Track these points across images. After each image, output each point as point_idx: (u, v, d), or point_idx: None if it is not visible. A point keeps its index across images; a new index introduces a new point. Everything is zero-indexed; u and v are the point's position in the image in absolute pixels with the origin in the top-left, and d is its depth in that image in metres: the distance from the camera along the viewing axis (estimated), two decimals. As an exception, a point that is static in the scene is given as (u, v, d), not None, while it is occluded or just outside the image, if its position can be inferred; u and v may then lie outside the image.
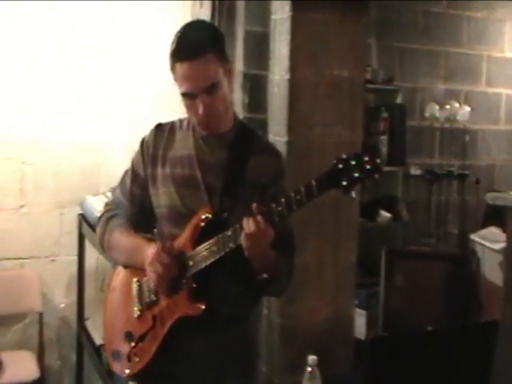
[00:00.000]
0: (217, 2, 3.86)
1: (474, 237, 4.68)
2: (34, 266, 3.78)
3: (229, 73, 1.91)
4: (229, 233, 1.77)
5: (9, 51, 3.67)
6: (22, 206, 3.75)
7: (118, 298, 2.09)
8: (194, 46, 1.81)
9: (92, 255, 3.77)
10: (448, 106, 4.98)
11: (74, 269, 3.82)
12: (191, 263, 1.85)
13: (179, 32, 1.88)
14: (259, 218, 1.69)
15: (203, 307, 1.82)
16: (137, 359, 1.96)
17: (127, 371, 1.99)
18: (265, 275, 1.83)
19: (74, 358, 3.89)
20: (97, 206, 3.34)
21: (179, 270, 1.85)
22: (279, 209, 1.66)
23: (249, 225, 1.69)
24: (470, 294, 4.31)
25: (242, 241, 1.72)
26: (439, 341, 2.48)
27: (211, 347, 1.90)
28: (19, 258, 3.76)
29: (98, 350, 3.28)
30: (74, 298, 3.85)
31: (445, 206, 5.05)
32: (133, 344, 1.97)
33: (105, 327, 2.13)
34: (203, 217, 1.87)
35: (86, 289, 3.83)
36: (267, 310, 3.33)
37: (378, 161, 1.53)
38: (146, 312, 1.96)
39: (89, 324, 3.70)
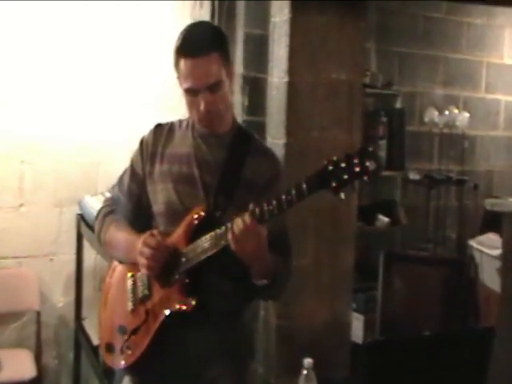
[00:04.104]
0: (216, 3, 3.89)
1: (472, 242, 4.67)
2: (32, 264, 3.78)
3: (230, 74, 1.94)
4: (220, 231, 1.78)
5: (9, 49, 3.67)
6: (20, 205, 3.75)
7: (113, 292, 2.12)
8: (200, 44, 1.85)
9: (90, 255, 3.77)
10: (447, 112, 4.98)
11: (72, 268, 3.82)
12: (184, 259, 1.88)
13: (185, 29, 1.92)
14: (246, 217, 1.70)
15: (194, 302, 1.84)
16: (129, 352, 1.97)
17: (119, 364, 2.01)
18: (264, 281, 1.85)
19: (71, 357, 3.89)
20: (95, 205, 3.34)
21: (170, 259, 1.87)
22: (270, 208, 1.68)
23: (237, 224, 1.71)
24: (467, 300, 4.31)
25: (230, 241, 1.74)
26: (436, 345, 2.48)
27: (202, 343, 1.91)
28: (17, 257, 3.76)
29: (95, 350, 3.27)
30: (71, 297, 3.85)
31: (443, 211, 5.05)
32: (126, 337, 1.98)
33: (100, 321, 2.15)
34: (197, 215, 1.89)
35: (83, 288, 3.84)
36: (264, 311, 3.34)
37: (368, 164, 1.54)
38: (139, 306, 1.98)
39: (86, 323, 3.70)
